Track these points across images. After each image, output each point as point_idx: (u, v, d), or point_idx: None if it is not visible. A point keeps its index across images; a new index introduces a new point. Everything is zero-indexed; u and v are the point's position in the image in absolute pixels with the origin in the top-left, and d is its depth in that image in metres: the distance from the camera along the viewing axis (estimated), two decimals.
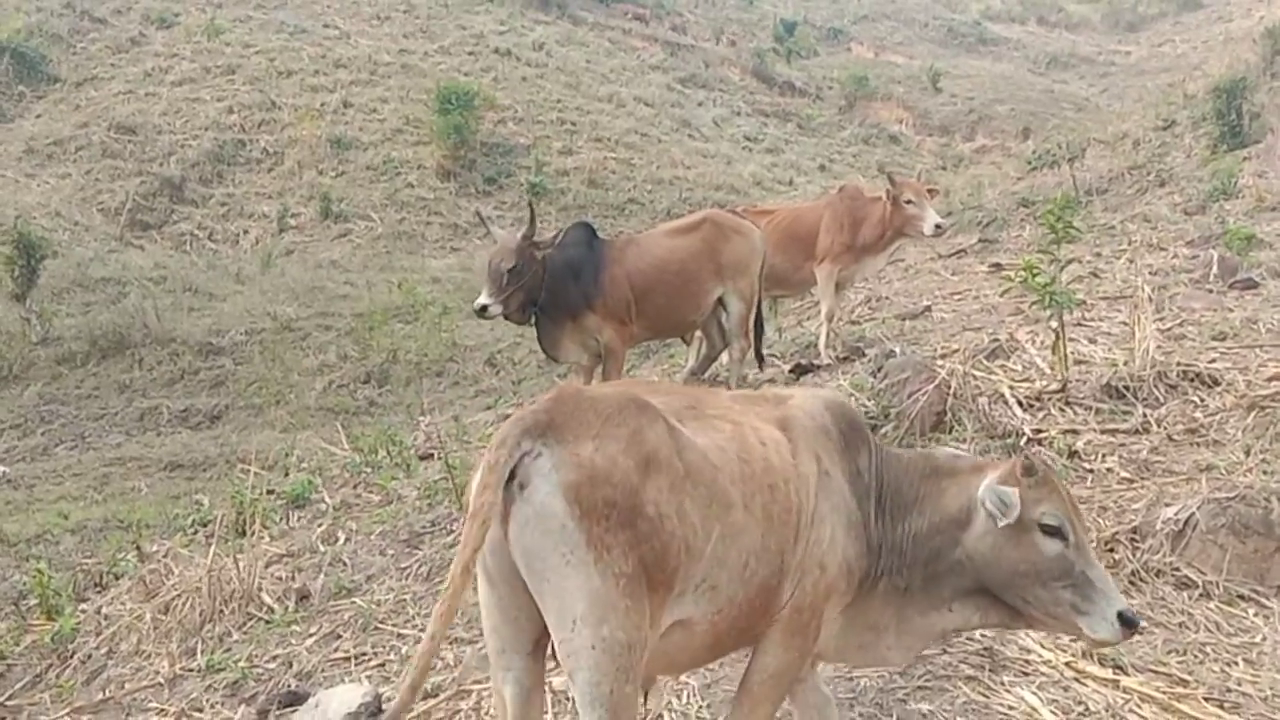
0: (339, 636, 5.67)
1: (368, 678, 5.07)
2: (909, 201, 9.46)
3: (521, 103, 27.58)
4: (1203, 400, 7.44)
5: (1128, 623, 3.34)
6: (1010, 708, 3.85)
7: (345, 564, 6.77)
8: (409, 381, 15.74)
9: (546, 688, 3.87)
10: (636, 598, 2.99)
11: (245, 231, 22.73)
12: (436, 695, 4.72)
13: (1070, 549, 3.38)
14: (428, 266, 21.23)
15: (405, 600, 5.96)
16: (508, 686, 3.26)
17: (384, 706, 4.64)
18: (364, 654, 5.40)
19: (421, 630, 5.50)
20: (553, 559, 2.97)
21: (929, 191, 10.05)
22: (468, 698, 4.63)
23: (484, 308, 7.86)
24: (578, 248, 8.25)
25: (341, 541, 7.26)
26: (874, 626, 3.55)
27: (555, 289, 8.02)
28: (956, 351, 8.60)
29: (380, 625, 5.69)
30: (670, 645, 3.24)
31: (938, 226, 9.61)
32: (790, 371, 9.57)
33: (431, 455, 9.15)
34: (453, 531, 6.86)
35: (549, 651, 3.22)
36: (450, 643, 5.28)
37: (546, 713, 4.14)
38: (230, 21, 29.53)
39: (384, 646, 5.44)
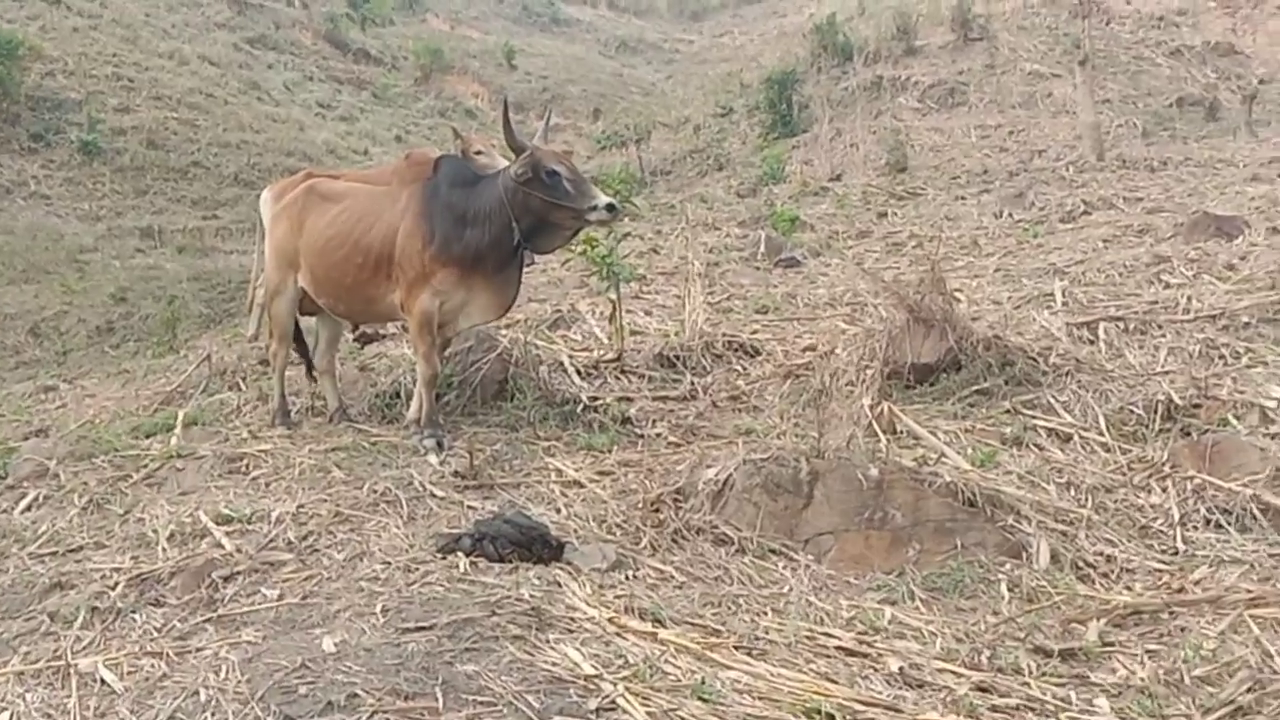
0: None
1: None
2: (479, 153, 9.19)
3: (73, 55, 25.51)
4: (745, 369, 7.94)
5: None
6: (554, 664, 3.92)
7: None
8: None
9: None
10: None
11: None
12: None
13: None
14: None
15: None
16: None
17: None
18: None
19: None
20: None
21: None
22: None
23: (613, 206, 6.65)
24: None
25: None
26: None
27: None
28: (520, 321, 8.75)
29: None
30: None
31: None
32: (355, 340, 9.44)
33: None
34: None
35: None
36: None
37: None
38: None
39: None
